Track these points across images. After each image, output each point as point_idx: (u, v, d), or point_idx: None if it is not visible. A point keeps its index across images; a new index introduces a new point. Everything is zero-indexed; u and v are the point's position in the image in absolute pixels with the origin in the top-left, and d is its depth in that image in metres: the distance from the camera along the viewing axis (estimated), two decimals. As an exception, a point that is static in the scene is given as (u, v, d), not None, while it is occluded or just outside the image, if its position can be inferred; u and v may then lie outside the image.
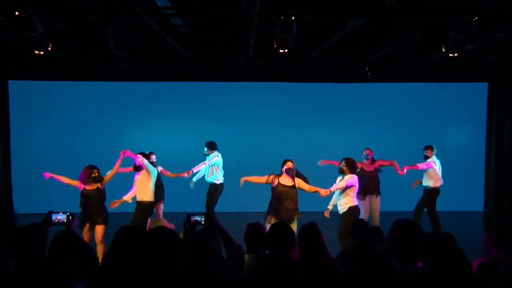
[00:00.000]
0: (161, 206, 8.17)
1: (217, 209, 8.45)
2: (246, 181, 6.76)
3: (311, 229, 3.80)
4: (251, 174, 6.85)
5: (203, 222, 3.52)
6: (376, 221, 7.69)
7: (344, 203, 6.58)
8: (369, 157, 7.97)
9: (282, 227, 3.65)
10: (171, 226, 4.55)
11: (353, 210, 6.53)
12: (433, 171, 8.19)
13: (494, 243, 3.46)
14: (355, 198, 6.62)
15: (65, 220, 3.50)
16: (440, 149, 10.60)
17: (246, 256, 3.69)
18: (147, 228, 4.70)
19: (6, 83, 9.95)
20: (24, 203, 9.90)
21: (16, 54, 8.68)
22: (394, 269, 2.77)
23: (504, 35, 6.35)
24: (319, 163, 7.65)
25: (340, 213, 6.62)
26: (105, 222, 6.38)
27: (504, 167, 10.10)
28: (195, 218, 3.55)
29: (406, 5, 5.58)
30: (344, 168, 6.65)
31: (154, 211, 7.74)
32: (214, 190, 8.35)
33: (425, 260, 3.10)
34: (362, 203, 7.76)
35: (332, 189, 6.55)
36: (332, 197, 6.82)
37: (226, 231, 3.48)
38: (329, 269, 3.59)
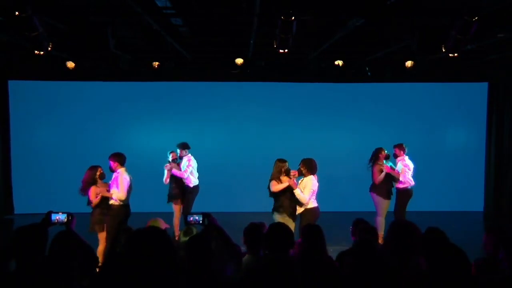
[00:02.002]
0: (177, 206, 8.13)
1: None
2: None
3: (312, 229, 3.81)
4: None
5: (201, 222, 3.52)
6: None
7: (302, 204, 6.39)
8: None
9: (280, 227, 3.66)
10: (166, 226, 4.57)
11: (314, 211, 6.40)
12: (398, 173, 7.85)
13: (494, 243, 3.47)
14: (315, 200, 6.45)
15: (65, 220, 3.50)
16: (440, 149, 10.64)
17: (246, 256, 3.70)
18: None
19: (6, 83, 9.96)
20: (24, 203, 9.91)
21: (16, 54, 8.68)
22: (392, 269, 2.77)
23: (505, 35, 6.35)
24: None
25: (297, 213, 6.40)
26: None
27: (504, 167, 10.10)
28: (193, 218, 3.56)
29: (406, 5, 5.59)
30: (302, 169, 6.48)
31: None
32: (189, 193, 8.10)
33: (425, 259, 3.11)
34: (387, 203, 7.70)
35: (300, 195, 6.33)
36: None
37: (224, 231, 3.48)
38: (329, 269, 3.59)
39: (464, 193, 10.39)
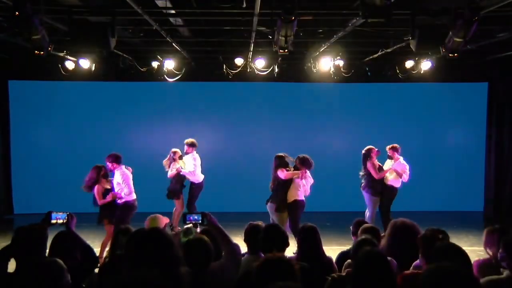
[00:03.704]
0: (179, 202, 8.19)
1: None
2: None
3: (310, 230, 3.81)
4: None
5: (200, 222, 3.52)
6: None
7: (290, 195, 6.84)
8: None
9: (276, 228, 3.69)
10: (166, 220, 4.58)
11: (298, 204, 6.81)
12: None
13: (494, 243, 3.47)
14: (300, 192, 6.84)
15: (65, 220, 3.50)
16: (440, 149, 10.63)
17: (246, 256, 3.69)
18: (146, 225, 4.72)
19: (6, 83, 9.95)
20: (24, 203, 9.90)
21: (16, 54, 8.68)
22: (393, 268, 2.77)
23: (505, 35, 6.35)
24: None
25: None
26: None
27: (504, 167, 10.09)
28: (192, 218, 3.56)
29: (406, 5, 5.59)
30: (298, 166, 6.88)
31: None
32: (194, 188, 8.35)
33: (425, 259, 3.11)
34: (377, 200, 7.77)
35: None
36: None
37: (223, 230, 3.48)
38: (327, 268, 3.60)
39: (464, 193, 10.37)
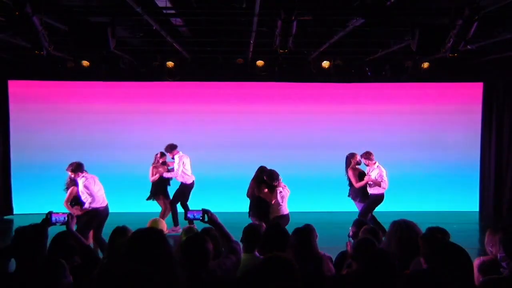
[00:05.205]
0: (161, 202, 8.21)
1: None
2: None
3: (305, 231, 3.79)
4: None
5: (200, 218, 3.52)
6: None
7: (273, 211, 6.62)
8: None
9: (279, 227, 3.69)
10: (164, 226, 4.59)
11: (283, 219, 6.52)
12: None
13: (496, 243, 3.46)
14: (283, 208, 6.61)
15: (65, 220, 3.50)
16: (439, 148, 10.63)
17: (244, 255, 3.69)
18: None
19: (6, 83, 9.95)
20: (24, 203, 9.90)
21: (16, 54, 8.67)
22: (394, 269, 2.77)
23: (505, 35, 6.35)
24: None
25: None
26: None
27: (504, 167, 10.07)
28: (193, 215, 3.56)
29: (406, 5, 5.59)
30: (267, 181, 6.67)
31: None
32: (184, 188, 8.39)
33: (425, 259, 3.10)
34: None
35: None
36: None
37: (224, 228, 3.48)
38: (322, 270, 3.59)
39: (461, 193, 10.35)
